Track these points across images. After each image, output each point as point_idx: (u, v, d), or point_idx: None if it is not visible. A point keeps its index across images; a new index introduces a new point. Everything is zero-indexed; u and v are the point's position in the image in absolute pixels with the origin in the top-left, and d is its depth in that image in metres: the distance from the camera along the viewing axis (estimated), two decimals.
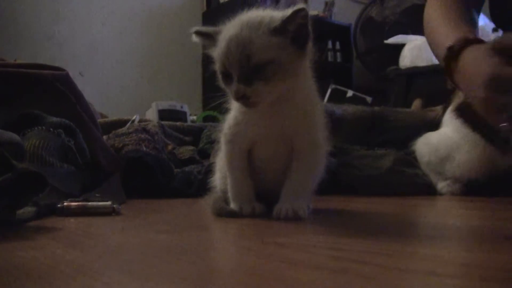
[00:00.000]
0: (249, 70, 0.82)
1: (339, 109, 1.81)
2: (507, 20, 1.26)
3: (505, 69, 1.03)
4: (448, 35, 1.25)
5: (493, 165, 1.44)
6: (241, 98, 0.84)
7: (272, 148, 0.93)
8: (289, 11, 0.83)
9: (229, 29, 0.85)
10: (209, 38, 0.90)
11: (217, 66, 0.88)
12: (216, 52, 0.87)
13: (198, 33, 0.91)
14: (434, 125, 1.64)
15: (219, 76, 0.88)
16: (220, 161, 1.03)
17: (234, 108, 0.94)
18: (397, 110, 1.84)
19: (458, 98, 1.56)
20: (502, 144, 1.38)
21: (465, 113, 1.49)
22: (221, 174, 1.03)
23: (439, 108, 1.71)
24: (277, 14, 0.85)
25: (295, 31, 0.83)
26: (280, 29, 0.82)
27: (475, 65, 1.11)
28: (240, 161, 0.94)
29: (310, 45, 0.87)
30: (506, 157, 1.40)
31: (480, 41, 1.16)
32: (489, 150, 1.43)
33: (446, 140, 1.55)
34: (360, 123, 1.77)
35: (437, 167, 1.56)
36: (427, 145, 1.60)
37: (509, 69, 1.03)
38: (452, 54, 1.19)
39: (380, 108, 1.83)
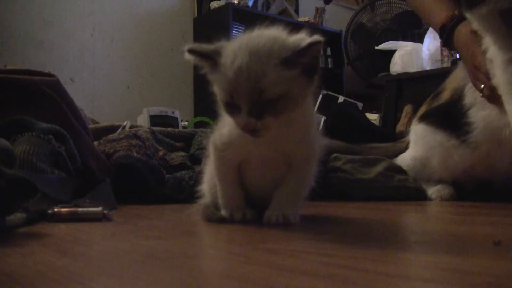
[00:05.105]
0: (261, 104, 0.78)
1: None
2: None
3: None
4: (437, 11, 1.49)
5: (459, 158, 1.47)
6: (251, 131, 0.80)
7: (266, 164, 0.91)
8: (302, 43, 0.78)
9: (235, 55, 0.78)
10: (206, 59, 0.83)
11: (220, 95, 0.82)
12: (220, 80, 0.80)
13: (192, 51, 0.83)
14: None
15: (222, 105, 0.83)
16: (208, 172, 1.01)
17: (229, 124, 0.89)
18: (370, 145, 1.84)
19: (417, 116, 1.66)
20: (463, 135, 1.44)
21: (425, 119, 1.59)
22: (209, 186, 1.01)
23: (408, 137, 1.74)
24: (287, 40, 0.80)
25: (307, 63, 0.79)
26: (292, 61, 0.78)
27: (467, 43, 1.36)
28: (231, 173, 0.93)
29: (318, 75, 0.83)
30: (465, 149, 1.45)
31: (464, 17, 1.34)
32: (452, 142, 1.48)
33: (415, 151, 1.61)
34: None
35: (424, 176, 1.59)
36: (404, 167, 1.64)
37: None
38: (447, 32, 1.42)
39: (353, 145, 1.84)
